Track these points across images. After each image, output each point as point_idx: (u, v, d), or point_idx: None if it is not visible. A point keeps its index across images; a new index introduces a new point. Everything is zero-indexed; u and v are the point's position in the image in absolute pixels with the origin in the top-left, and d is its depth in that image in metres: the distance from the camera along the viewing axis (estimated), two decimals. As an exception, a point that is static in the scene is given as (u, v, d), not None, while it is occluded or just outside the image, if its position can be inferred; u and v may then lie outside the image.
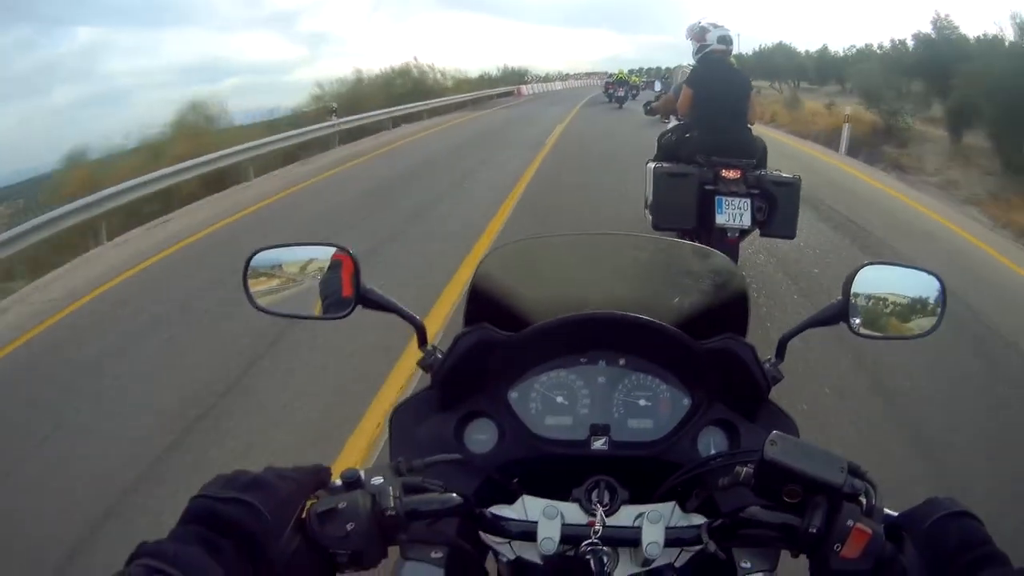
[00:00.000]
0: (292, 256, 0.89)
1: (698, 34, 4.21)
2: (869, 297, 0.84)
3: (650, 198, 4.12)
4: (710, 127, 3.93)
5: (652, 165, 4.13)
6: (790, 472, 0.58)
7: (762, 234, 3.93)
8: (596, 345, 0.85)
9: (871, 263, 0.85)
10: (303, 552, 0.56)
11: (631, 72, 29.12)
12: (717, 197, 3.72)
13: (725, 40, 4.12)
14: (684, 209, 3.79)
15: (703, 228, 3.80)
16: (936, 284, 0.86)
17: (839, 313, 0.83)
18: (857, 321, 0.84)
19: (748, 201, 3.71)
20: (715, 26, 4.16)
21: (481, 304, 0.88)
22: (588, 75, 60.33)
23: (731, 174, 3.74)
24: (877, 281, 0.85)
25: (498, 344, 0.82)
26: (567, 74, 59.38)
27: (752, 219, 3.73)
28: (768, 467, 0.59)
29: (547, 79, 47.75)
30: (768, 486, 0.60)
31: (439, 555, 0.72)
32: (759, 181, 3.76)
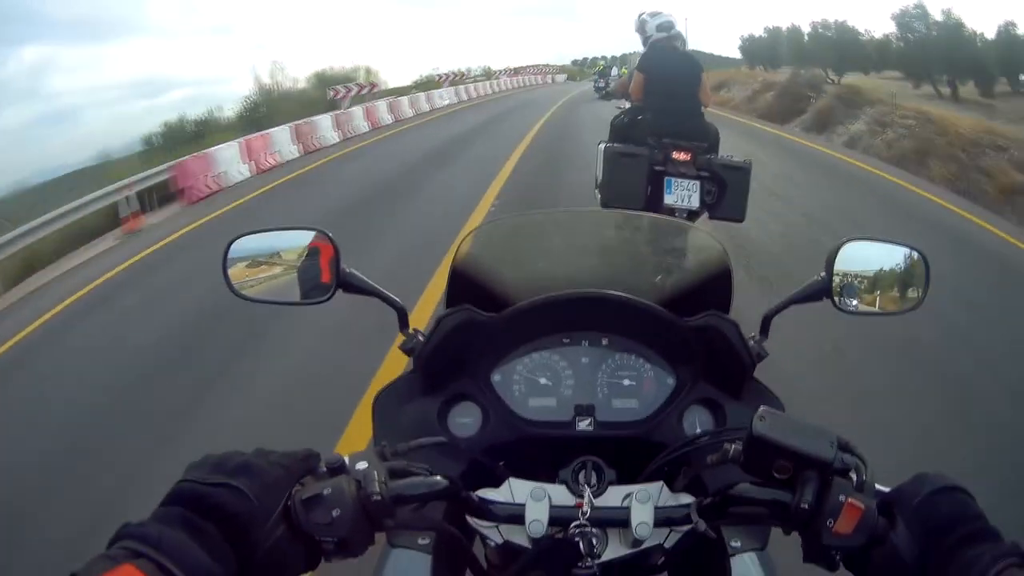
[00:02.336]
0: (272, 242, 0.87)
1: (639, 27, 4.33)
2: (852, 273, 0.84)
3: (600, 177, 4.15)
4: (662, 110, 3.97)
5: (603, 146, 4.16)
6: (780, 447, 0.58)
7: (711, 217, 3.96)
8: (579, 325, 0.85)
9: (853, 239, 0.84)
10: (288, 539, 0.55)
11: (604, 63, 28.33)
12: (666, 178, 3.80)
13: (665, 27, 4.17)
14: (633, 188, 3.83)
15: (652, 208, 3.80)
16: (919, 259, 0.86)
17: (823, 289, 0.83)
18: (841, 297, 0.84)
19: (697, 183, 3.80)
20: (653, 15, 4.24)
21: (462, 285, 0.87)
22: (515, 71, 34.85)
23: (681, 156, 3.79)
24: (860, 257, 0.85)
25: (480, 325, 0.81)
26: (489, 71, 31.39)
27: (701, 201, 3.83)
28: (757, 443, 0.58)
29: (384, 94, 17.50)
30: (758, 462, 0.60)
31: (426, 541, 0.71)
32: (709, 164, 3.82)
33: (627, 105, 4.61)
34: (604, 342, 0.85)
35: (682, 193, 3.81)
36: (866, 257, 0.86)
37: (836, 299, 0.83)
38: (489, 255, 0.91)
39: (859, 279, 0.85)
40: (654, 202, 3.84)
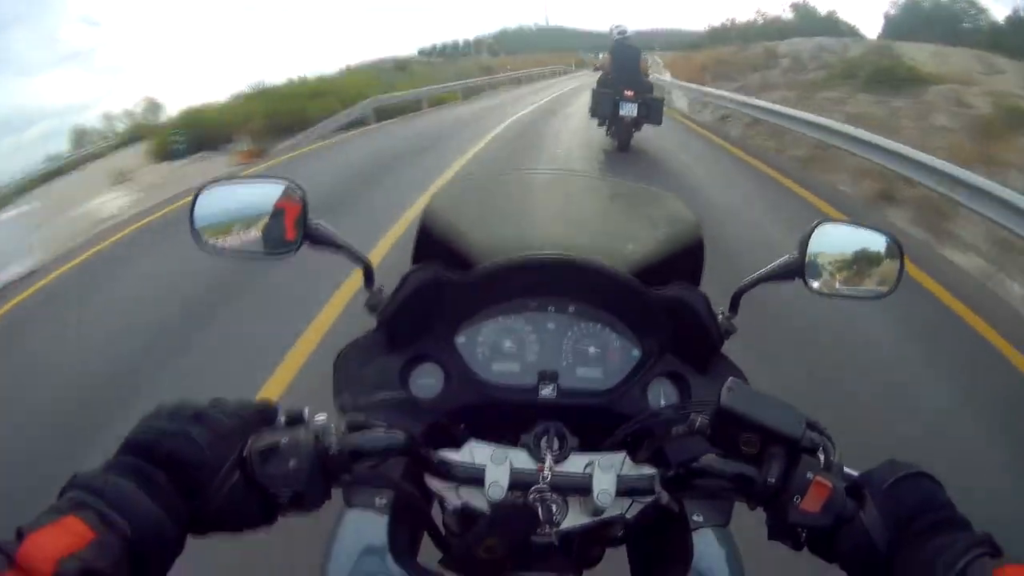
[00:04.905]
0: (243, 191, 0.83)
1: (610, 32, 8.40)
2: (826, 255, 0.84)
3: (590, 104, 8.26)
4: (619, 73, 7.89)
5: (592, 89, 8.37)
6: (747, 420, 0.57)
7: (647, 123, 7.92)
8: (546, 290, 0.83)
9: (827, 221, 0.83)
10: (242, 491, 0.54)
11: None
12: (620, 102, 7.63)
13: (621, 31, 8.18)
14: (605, 107, 7.86)
15: (614, 117, 7.85)
16: (894, 245, 0.86)
17: (795, 270, 0.81)
18: (813, 279, 0.83)
19: (635, 105, 7.62)
20: (616, 26, 8.30)
21: (431, 243, 0.84)
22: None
23: (629, 93, 7.60)
24: (834, 240, 0.84)
25: (445, 284, 0.79)
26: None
27: (639, 113, 7.66)
28: (725, 415, 0.58)
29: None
30: (724, 435, 0.59)
31: (384, 501, 0.70)
32: (643, 98, 7.70)
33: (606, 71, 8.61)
34: (570, 309, 0.83)
35: (628, 109, 7.62)
36: (839, 240, 0.85)
37: (807, 279, 0.83)
38: (460, 212, 0.88)
39: (832, 261, 0.85)
40: (615, 114, 7.77)
